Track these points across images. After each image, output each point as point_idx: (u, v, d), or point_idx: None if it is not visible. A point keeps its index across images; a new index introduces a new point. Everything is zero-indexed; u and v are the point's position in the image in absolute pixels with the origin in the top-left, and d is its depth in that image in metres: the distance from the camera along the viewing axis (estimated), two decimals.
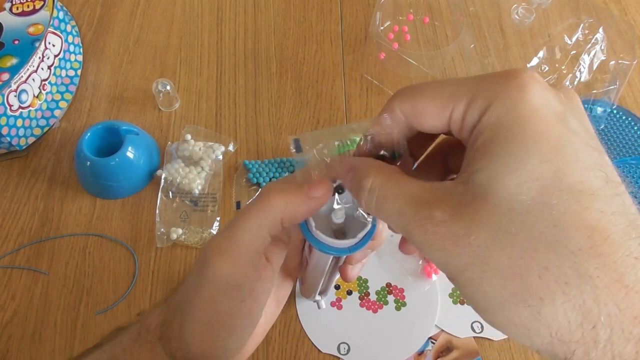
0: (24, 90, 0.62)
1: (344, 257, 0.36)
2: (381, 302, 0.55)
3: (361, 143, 0.29)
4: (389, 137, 0.28)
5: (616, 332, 0.20)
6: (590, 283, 0.20)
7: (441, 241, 0.23)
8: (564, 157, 0.22)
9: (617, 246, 0.20)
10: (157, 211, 0.60)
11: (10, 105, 0.61)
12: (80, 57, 0.72)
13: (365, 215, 0.31)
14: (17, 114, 0.62)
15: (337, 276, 0.43)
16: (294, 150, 0.30)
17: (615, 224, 0.21)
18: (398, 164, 0.28)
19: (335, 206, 0.32)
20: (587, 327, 0.20)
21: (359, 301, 0.55)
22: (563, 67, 0.62)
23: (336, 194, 0.31)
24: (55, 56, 0.67)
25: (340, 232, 0.33)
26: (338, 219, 0.31)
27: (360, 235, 0.31)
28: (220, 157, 0.63)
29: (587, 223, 0.21)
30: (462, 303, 0.55)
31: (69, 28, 0.70)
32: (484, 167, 0.23)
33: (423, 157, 0.32)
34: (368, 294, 0.56)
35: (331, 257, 0.36)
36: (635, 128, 0.65)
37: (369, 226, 0.31)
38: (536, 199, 0.21)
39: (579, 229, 0.21)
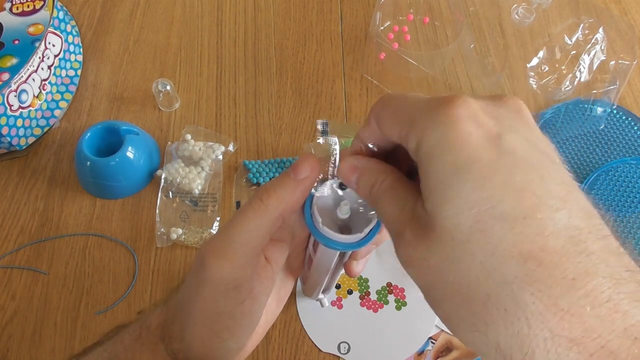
0: (24, 90, 0.62)
1: (349, 253, 0.36)
2: (382, 302, 0.55)
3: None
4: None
5: (552, 357, 0.20)
6: (526, 310, 0.21)
7: (410, 260, 0.24)
8: (495, 183, 0.22)
9: (552, 269, 0.21)
10: (157, 211, 0.60)
11: (10, 105, 0.61)
12: (80, 57, 0.72)
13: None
14: (17, 114, 0.62)
15: (340, 274, 0.43)
16: (321, 132, 0.31)
17: (552, 245, 0.21)
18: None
19: (340, 202, 0.32)
20: (526, 351, 0.21)
21: (360, 300, 0.55)
22: (563, 67, 0.62)
23: (339, 190, 0.32)
24: (55, 56, 0.67)
25: (345, 228, 0.33)
26: (343, 214, 0.32)
27: (367, 229, 0.31)
28: (220, 157, 0.63)
29: (521, 250, 0.21)
30: None
31: (69, 28, 0.70)
32: (428, 197, 0.23)
33: None
34: (368, 294, 0.56)
35: (337, 253, 0.36)
36: (635, 128, 0.65)
37: (375, 220, 0.31)
38: (473, 228, 0.22)
39: (514, 256, 0.21)
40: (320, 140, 0.31)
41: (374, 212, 0.31)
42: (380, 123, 0.27)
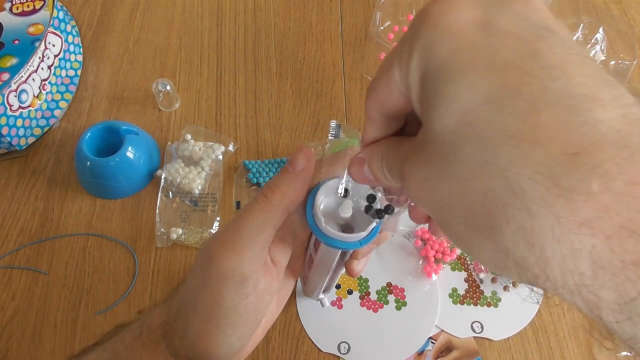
0: (24, 90, 0.62)
1: (350, 252, 0.36)
2: (382, 302, 0.55)
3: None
4: None
5: (564, 246, 0.17)
6: (525, 198, 0.18)
7: (419, 191, 0.22)
8: (477, 69, 0.19)
9: (550, 146, 0.17)
10: (157, 211, 0.60)
11: (10, 105, 0.61)
12: (80, 57, 0.72)
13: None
14: (17, 114, 0.62)
15: (341, 274, 0.43)
16: (333, 133, 0.31)
17: (547, 120, 0.18)
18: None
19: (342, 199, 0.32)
20: (536, 248, 0.18)
21: (360, 300, 0.55)
22: None
23: (342, 190, 0.32)
24: (55, 56, 0.67)
25: (347, 227, 0.33)
26: (345, 213, 0.32)
27: (370, 227, 0.31)
28: (220, 157, 0.63)
29: (512, 132, 0.18)
30: (462, 303, 0.55)
31: (69, 28, 0.70)
32: (420, 115, 0.22)
33: None
34: (368, 294, 0.56)
35: (338, 252, 0.36)
36: None
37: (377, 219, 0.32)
38: (459, 123, 0.19)
39: (505, 141, 0.18)
40: (331, 138, 0.32)
41: (374, 212, 0.32)
42: (377, 101, 0.25)
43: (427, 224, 0.29)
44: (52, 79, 0.67)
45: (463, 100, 0.19)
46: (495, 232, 0.19)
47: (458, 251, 0.57)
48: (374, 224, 0.31)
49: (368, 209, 0.30)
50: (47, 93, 0.66)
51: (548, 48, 0.19)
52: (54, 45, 0.67)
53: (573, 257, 0.17)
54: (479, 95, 0.19)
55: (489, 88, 0.19)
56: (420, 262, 0.57)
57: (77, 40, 0.72)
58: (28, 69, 0.62)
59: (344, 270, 0.39)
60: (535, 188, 0.18)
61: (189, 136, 0.64)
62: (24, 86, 0.62)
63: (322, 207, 0.32)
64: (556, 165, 0.17)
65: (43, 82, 0.65)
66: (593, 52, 0.61)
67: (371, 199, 0.31)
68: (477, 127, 0.19)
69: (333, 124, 0.32)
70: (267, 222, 0.32)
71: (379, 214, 0.30)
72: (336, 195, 0.33)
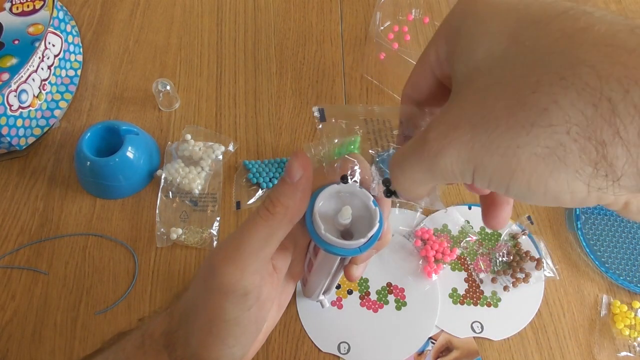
0: (24, 90, 0.62)
1: (349, 258, 0.36)
2: (381, 302, 0.55)
3: (400, 130, 0.31)
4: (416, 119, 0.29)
5: (635, 91, 0.18)
6: (585, 64, 0.18)
7: (444, 138, 0.22)
8: (520, 6, 0.21)
9: (603, 28, 0.19)
10: (157, 211, 0.60)
11: (10, 105, 0.61)
12: (80, 57, 0.72)
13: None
14: (17, 114, 0.62)
15: (340, 276, 0.43)
16: (318, 118, 0.31)
17: (599, 17, 0.20)
18: None
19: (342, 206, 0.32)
20: (602, 103, 0.18)
21: (360, 300, 0.55)
22: None
23: (341, 183, 0.32)
24: (55, 56, 0.67)
25: (347, 233, 0.33)
26: (345, 219, 0.32)
27: (369, 234, 0.31)
28: (220, 157, 0.63)
29: (562, 29, 0.20)
30: (462, 303, 0.55)
31: (69, 28, 0.70)
32: (457, 67, 0.23)
33: None
34: (368, 294, 0.56)
35: (338, 258, 0.36)
36: None
37: (377, 225, 0.31)
38: (506, 47, 0.21)
39: (557, 38, 0.20)
40: (320, 127, 0.31)
41: (375, 217, 0.31)
42: (412, 87, 0.28)
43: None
44: (52, 79, 0.67)
45: (511, 26, 0.21)
46: (551, 108, 0.19)
47: (458, 251, 0.57)
48: (373, 230, 0.31)
49: (388, 193, 0.31)
50: (47, 93, 0.66)
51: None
52: (54, 45, 0.67)
53: None
54: (528, 18, 0.21)
55: (537, 10, 0.21)
56: (420, 262, 0.57)
57: (77, 40, 0.72)
58: (28, 69, 0.62)
59: (343, 272, 0.39)
60: (593, 53, 0.18)
61: (189, 136, 0.64)
62: (24, 86, 0.62)
63: (320, 213, 0.32)
64: (612, 37, 0.19)
65: (43, 82, 0.65)
66: None
67: (388, 182, 0.30)
68: (526, 38, 0.20)
69: (315, 111, 0.31)
70: (271, 236, 0.31)
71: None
72: (335, 202, 0.32)
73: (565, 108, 0.19)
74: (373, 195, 0.32)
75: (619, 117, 0.18)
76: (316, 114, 0.31)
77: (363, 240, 0.31)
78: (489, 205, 0.28)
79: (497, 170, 0.21)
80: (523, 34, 0.21)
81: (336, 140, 0.31)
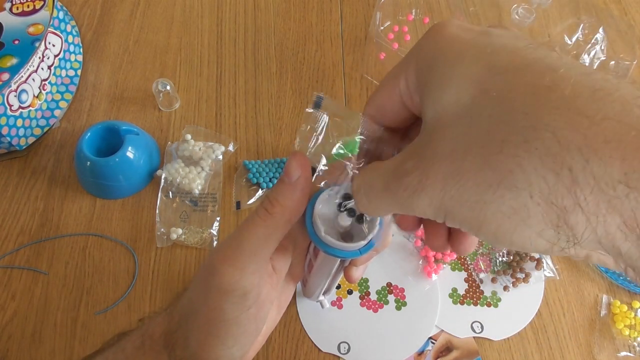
0: (24, 90, 0.62)
1: (349, 259, 0.36)
2: (381, 302, 0.55)
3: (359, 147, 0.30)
4: (377, 137, 0.30)
5: (594, 162, 0.18)
6: (547, 129, 0.19)
7: (418, 184, 0.23)
8: (489, 53, 0.22)
9: (570, 87, 0.19)
10: (157, 211, 0.60)
11: (10, 105, 0.61)
12: (80, 57, 0.72)
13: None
14: (17, 114, 0.62)
15: (340, 277, 0.43)
16: (313, 104, 0.30)
17: (564, 75, 0.20)
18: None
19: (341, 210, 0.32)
20: (563, 172, 0.19)
21: (360, 300, 0.55)
22: None
23: (343, 201, 0.32)
24: (55, 56, 0.67)
25: (347, 235, 0.33)
26: (345, 222, 0.32)
27: (370, 236, 0.31)
28: (220, 157, 0.63)
29: (531, 82, 0.20)
30: (462, 303, 0.55)
31: (69, 28, 0.70)
32: (426, 105, 0.24)
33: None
34: (368, 294, 0.56)
35: (337, 260, 0.36)
36: None
37: (377, 228, 0.31)
38: (473, 96, 0.21)
39: (524, 91, 0.20)
40: (309, 110, 0.31)
41: (375, 219, 0.31)
42: (376, 108, 0.28)
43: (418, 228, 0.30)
44: (52, 79, 0.67)
45: (479, 75, 0.21)
46: (515, 172, 0.19)
47: None
48: (373, 233, 0.31)
49: (350, 213, 0.31)
50: (47, 93, 0.66)
51: (542, 54, 0.21)
52: (54, 45, 0.67)
53: (602, 169, 0.18)
54: (497, 68, 0.21)
55: (505, 63, 0.21)
56: (420, 262, 0.57)
57: (77, 40, 0.72)
58: (28, 69, 0.62)
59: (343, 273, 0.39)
60: (556, 120, 0.19)
61: (189, 136, 0.64)
62: (24, 86, 0.62)
63: (321, 215, 0.32)
64: (576, 99, 0.19)
65: (43, 82, 0.65)
66: (593, 52, 0.61)
67: (348, 197, 0.30)
68: (494, 91, 0.21)
69: (315, 94, 0.31)
70: (270, 237, 0.31)
71: (359, 219, 0.31)
72: (335, 204, 0.32)
73: (529, 173, 0.19)
74: None
75: (579, 187, 0.18)
76: (314, 99, 0.31)
77: (363, 243, 0.31)
78: (456, 231, 0.28)
79: (466, 219, 0.22)
80: (490, 83, 0.21)
81: (338, 142, 0.31)
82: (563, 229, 0.19)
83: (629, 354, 0.53)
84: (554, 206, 0.19)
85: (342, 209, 0.31)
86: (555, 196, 0.19)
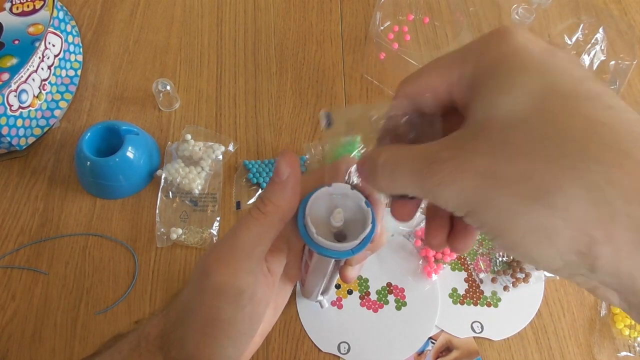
0: (24, 90, 0.62)
1: (344, 259, 0.36)
2: (381, 302, 0.55)
3: (383, 123, 0.29)
4: (405, 120, 0.29)
5: (634, 204, 0.19)
6: (597, 162, 0.20)
7: (450, 175, 0.23)
8: (553, 73, 0.22)
9: (619, 127, 0.20)
10: (157, 211, 0.60)
11: (10, 105, 0.61)
12: (80, 57, 0.72)
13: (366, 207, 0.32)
14: (17, 114, 0.62)
15: (337, 277, 0.43)
16: (326, 124, 0.30)
17: (610, 113, 0.21)
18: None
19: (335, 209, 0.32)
20: (603, 206, 0.20)
21: (360, 300, 0.55)
22: None
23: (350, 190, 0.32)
24: (55, 56, 0.67)
25: (340, 235, 0.33)
26: (337, 222, 0.32)
27: (362, 236, 0.31)
28: (220, 157, 0.63)
29: (590, 115, 0.21)
30: (462, 303, 0.55)
31: (69, 28, 0.70)
32: (478, 105, 0.24)
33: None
34: (368, 294, 0.56)
35: (332, 260, 0.36)
36: None
37: (369, 227, 0.31)
38: (530, 110, 0.22)
39: (581, 123, 0.21)
40: (325, 129, 0.31)
41: (367, 219, 0.31)
42: (417, 89, 0.28)
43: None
44: (52, 79, 0.67)
45: (538, 92, 0.22)
46: (556, 194, 0.20)
47: None
48: (366, 232, 0.31)
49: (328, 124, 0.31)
50: (47, 93, 0.66)
51: (602, 84, 0.23)
52: (54, 45, 0.67)
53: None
54: (555, 90, 0.22)
55: (564, 88, 0.22)
56: (420, 262, 0.57)
57: (77, 40, 0.72)
58: (28, 69, 0.62)
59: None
60: (605, 155, 0.20)
61: (189, 136, 0.64)
62: (24, 86, 0.62)
63: (313, 216, 0.32)
64: (626, 140, 0.20)
65: (43, 82, 0.65)
66: (593, 52, 0.61)
67: (329, 117, 0.31)
68: (548, 112, 0.21)
69: (322, 114, 0.31)
70: (263, 235, 0.32)
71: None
72: (327, 204, 0.32)
73: (569, 197, 0.20)
74: (366, 197, 0.32)
75: (616, 223, 0.19)
76: (323, 121, 0.31)
77: (356, 242, 0.31)
78: (459, 229, 0.29)
79: (489, 222, 0.22)
80: (548, 104, 0.22)
81: (374, 117, 0.30)
82: (586, 257, 0.20)
83: (629, 354, 0.53)
84: (585, 235, 0.20)
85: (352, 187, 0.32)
86: (590, 226, 0.20)
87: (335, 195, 0.33)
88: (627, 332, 0.53)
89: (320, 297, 0.49)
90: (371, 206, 0.32)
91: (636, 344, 0.53)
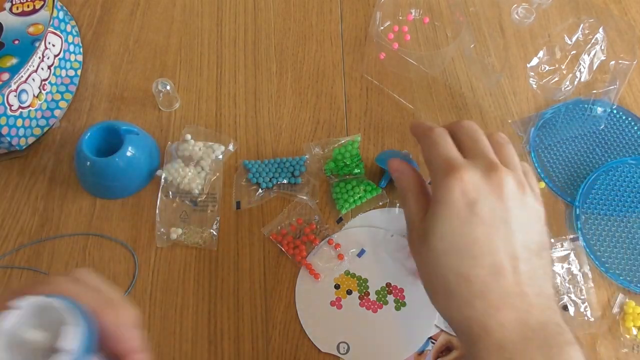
0: (24, 90, 0.62)
1: None
2: (381, 302, 0.55)
3: None
4: None
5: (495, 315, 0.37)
6: (474, 303, 0.38)
7: (413, 252, 0.43)
8: (463, 231, 0.38)
9: (480, 286, 0.38)
10: (157, 211, 0.60)
11: (10, 105, 0.61)
12: (80, 57, 0.72)
13: None
14: (17, 114, 0.62)
15: None
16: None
17: (478, 274, 0.38)
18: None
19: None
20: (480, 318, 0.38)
21: (359, 301, 0.55)
22: (563, 67, 0.62)
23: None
24: (55, 56, 0.67)
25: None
26: (35, 336, 0.26)
27: (63, 343, 0.25)
28: (220, 157, 0.63)
29: (461, 273, 0.38)
30: None
31: (69, 28, 0.70)
32: (428, 221, 0.40)
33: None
34: (368, 294, 0.56)
35: None
36: (635, 128, 0.65)
37: (72, 330, 0.26)
38: (445, 250, 0.39)
39: (457, 276, 0.38)
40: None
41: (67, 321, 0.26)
42: (423, 147, 0.43)
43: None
44: (52, 79, 0.67)
45: (452, 242, 0.39)
46: (455, 308, 0.39)
47: None
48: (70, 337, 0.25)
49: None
50: (47, 93, 0.66)
51: (498, 237, 0.39)
52: (54, 45, 0.67)
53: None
54: (457, 246, 0.38)
55: (462, 247, 0.38)
56: None
57: (77, 40, 0.72)
58: (28, 69, 0.62)
59: None
60: (476, 305, 0.38)
61: (189, 136, 0.64)
62: (24, 86, 0.62)
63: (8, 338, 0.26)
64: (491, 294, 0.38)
65: (43, 82, 0.65)
66: (593, 52, 0.61)
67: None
68: (450, 259, 0.39)
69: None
70: None
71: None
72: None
73: (461, 312, 0.39)
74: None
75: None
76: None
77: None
78: None
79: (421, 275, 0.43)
80: (452, 254, 0.40)
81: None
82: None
83: (631, 351, 0.53)
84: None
85: None
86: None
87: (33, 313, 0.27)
88: (634, 331, 0.53)
89: None
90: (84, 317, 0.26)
91: None
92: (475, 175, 0.38)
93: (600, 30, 0.62)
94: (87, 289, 0.30)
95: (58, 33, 0.68)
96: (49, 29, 0.65)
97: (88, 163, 0.59)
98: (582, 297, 0.55)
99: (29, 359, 0.26)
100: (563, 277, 0.55)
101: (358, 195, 0.59)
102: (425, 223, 0.39)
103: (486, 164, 0.39)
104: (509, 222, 0.38)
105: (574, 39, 0.63)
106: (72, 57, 0.70)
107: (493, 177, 0.38)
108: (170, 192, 0.61)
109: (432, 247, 0.38)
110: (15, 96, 0.61)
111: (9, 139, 0.61)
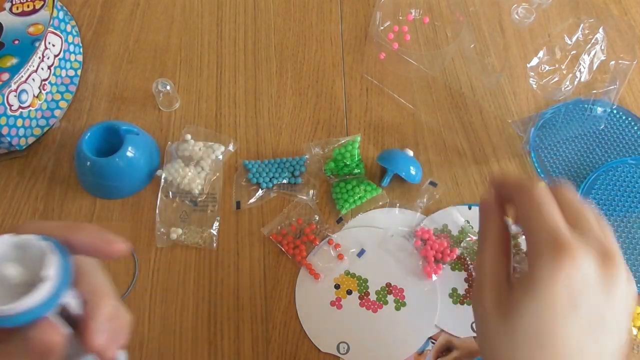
0: (24, 90, 0.62)
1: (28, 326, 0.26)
2: (381, 302, 0.55)
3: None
4: None
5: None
6: None
7: (482, 313, 0.38)
8: (559, 328, 0.32)
9: None
10: (157, 211, 0.60)
11: (10, 105, 0.61)
12: (80, 57, 0.72)
13: None
14: (17, 114, 0.62)
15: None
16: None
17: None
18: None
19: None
20: None
21: (359, 301, 0.55)
22: (563, 67, 0.62)
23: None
24: (55, 56, 0.67)
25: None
26: (10, 271, 0.26)
27: (44, 286, 0.25)
28: (220, 157, 0.63)
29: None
30: (462, 303, 0.55)
31: (69, 28, 0.70)
32: (515, 295, 0.34)
33: None
34: (368, 294, 0.56)
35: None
36: (635, 128, 0.65)
37: (49, 281, 0.25)
38: (528, 338, 0.33)
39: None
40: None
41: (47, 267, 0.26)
42: (521, 208, 0.36)
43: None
44: (52, 79, 0.67)
45: (542, 329, 0.33)
46: None
47: (458, 251, 0.57)
48: (42, 287, 0.25)
49: None
50: (47, 93, 0.66)
51: (588, 344, 0.33)
52: (54, 45, 0.67)
53: None
54: (545, 339, 0.33)
55: (551, 342, 0.33)
56: (420, 263, 0.57)
57: (77, 40, 0.72)
58: (28, 69, 0.62)
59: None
60: None
61: (189, 136, 0.64)
62: (24, 86, 0.62)
63: None
64: None
65: (43, 82, 0.65)
66: (593, 52, 0.61)
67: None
68: (536, 345, 0.33)
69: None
70: None
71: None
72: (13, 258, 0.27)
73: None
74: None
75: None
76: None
77: (36, 299, 0.25)
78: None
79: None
80: (537, 340, 0.34)
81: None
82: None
83: (631, 351, 0.53)
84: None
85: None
86: None
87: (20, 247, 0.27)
88: (634, 331, 0.53)
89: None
90: (67, 256, 0.26)
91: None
92: (589, 267, 0.32)
93: (600, 30, 0.62)
94: (52, 222, 0.30)
95: (58, 33, 0.68)
96: (49, 29, 0.65)
97: (88, 163, 0.59)
98: None
99: (9, 295, 0.26)
100: None
101: (358, 195, 0.59)
102: (513, 296, 0.34)
103: (601, 251, 0.33)
104: (606, 323, 0.33)
105: (574, 39, 0.63)
106: (72, 57, 0.70)
107: (608, 273, 0.33)
108: (170, 192, 0.61)
109: (512, 329, 0.33)
110: (15, 96, 0.61)
111: (9, 139, 0.61)
